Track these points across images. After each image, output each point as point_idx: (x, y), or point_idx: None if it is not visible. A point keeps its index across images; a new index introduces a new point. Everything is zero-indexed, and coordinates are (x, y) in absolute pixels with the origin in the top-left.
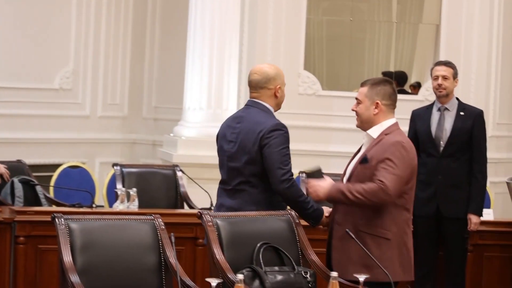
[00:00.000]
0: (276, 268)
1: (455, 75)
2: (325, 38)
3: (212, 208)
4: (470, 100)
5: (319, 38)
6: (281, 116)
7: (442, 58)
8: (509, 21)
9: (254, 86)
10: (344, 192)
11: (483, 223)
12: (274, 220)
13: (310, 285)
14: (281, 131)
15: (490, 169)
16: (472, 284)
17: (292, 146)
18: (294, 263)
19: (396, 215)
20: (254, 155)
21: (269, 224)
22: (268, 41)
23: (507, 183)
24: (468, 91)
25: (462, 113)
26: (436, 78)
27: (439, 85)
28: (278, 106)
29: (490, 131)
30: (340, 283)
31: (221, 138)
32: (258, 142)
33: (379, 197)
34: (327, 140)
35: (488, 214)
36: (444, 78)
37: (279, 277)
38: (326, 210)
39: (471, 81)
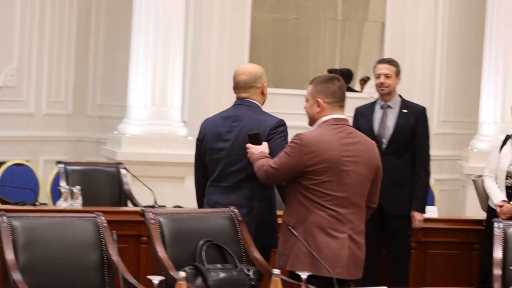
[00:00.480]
0: (219, 265)
1: (397, 73)
2: (271, 36)
3: (156, 205)
4: (415, 97)
5: (264, 36)
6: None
7: (387, 55)
8: (453, 18)
9: (243, 86)
10: (261, 157)
11: (427, 220)
12: (217, 217)
13: (252, 282)
14: (284, 127)
15: (435, 166)
16: (416, 281)
17: None
18: (236, 261)
19: (304, 211)
20: None
21: (212, 222)
22: (213, 39)
23: (473, 180)
24: (413, 89)
25: (405, 111)
26: (378, 76)
27: (382, 83)
28: (263, 103)
29: (435, 128)
30: (282, 280)
31: (212, 137)
32: (265, 139)
33: (260, 172)
34: None
35: (432, 212)
36: (387, 76)
37: (222, 275)
38: None
39: (416, 79)
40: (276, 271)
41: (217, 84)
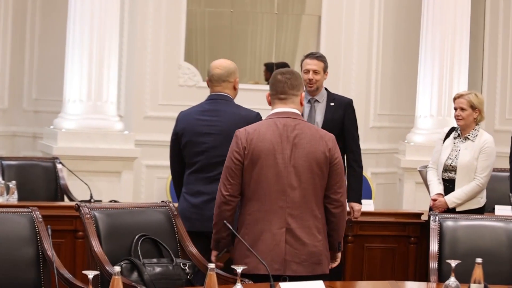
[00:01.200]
0: (155, 260)
1: (325, 69)
2: (207, 30)
3: (92, 200)
4: (351, 91)
5: (201, 30)
6: (161, 107)
7: (323, 49)
8: (389, 12)
9: (217, 79)
10: None
11: (364, 214)
12: (152, 212)
13: (188, 276)
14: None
15: (371, 160)
16: (353, 275)
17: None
18: (172, 255)
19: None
20: None
21: (148, 216)
22: (148, 33)
23: (419, 171)
24: (349, 82)
25: (332, 104)
26: (307, 71)
27: (310, 80)
28: (235, 97)
29: (371, 122)
30: (218, 274)
31: (192, 131)
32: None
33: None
34: None
35: (368, 205)
36: (315, 72)
37: (158, 269)
38: None
39: (352, 72)
40: (211, 265)
41: (153, 78)
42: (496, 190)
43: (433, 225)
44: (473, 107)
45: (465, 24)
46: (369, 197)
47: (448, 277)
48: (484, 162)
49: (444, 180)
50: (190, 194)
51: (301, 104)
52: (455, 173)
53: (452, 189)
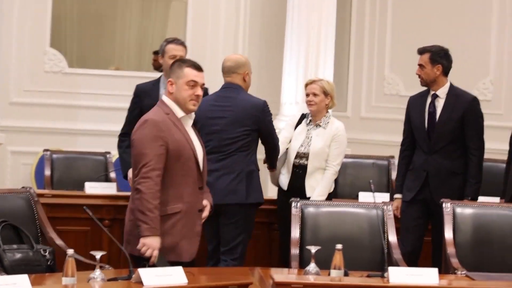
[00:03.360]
0: (15, 246)
1: (186, 53)
2: (76, 15)
3: None
4: (218, 77)
5: (69, 16)
6: (26, 93)
7: (189, 35)
8: None
9: (227, 71)
10: None
11: None
12: (13, 198)
13: (49, 262)
14: (268, 107)
15: None
16: None
17: (39, 124)
18: (33, 241)
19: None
20: (252, 127)
21: (8, 202)
22: (13, 18)
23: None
24: (216, 69)
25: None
26: (173, 57)
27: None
28: (246, 89)
29: None
30: (76, 259)
31: (203, 117)
32: (257, 117)
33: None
34: (74, 118)
35: None
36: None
37: (18, 255)
38: None
39: (219, 59)
40: (70, 251)
41: (18, 64)
42: (360, 177)
43: (295, 211)
44: (325, 93)
45: (332, 11)
46: None
47: (309, 263)
48: (336, 150)
49: (295, 166)
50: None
51: None
52: (307, 160)
53: (303, 175)
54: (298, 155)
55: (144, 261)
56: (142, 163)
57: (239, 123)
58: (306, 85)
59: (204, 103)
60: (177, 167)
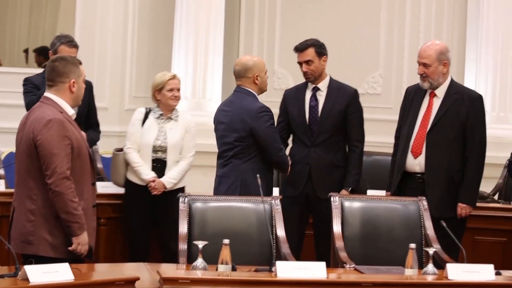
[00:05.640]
0: None
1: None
2: None
3: None
4: (107, 73)
5: None
6: None
7: (78, 32)
8: None
9: (237, 75)
10: None
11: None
12: None
13: None
14: (265, 112)
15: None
16: (106, 257)
17: None
18: None
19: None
20: (242, 133)
21: None
22: None
23: (115, 154)
24: (104, 64)
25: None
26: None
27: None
28: (260, 90)
29: (126, 104)
30: None
31: (216, 120)
32: (247, 123)
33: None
34: None
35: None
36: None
37: None
38: None
39: (108, 55)
40: None
41: None
42: None
43: (182, 206)
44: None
45: (220, 7)
46: None
47: (196, 258)
48: (191, 142)
49: (153, 160)
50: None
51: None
52: (164, 153)
53: (162, 169)
54: (155, 149)
55: (30, 258)
56: (55, 164)
57: (233, 129)
58: (167, 80)
59: (219, 107)
60: (78, 165)
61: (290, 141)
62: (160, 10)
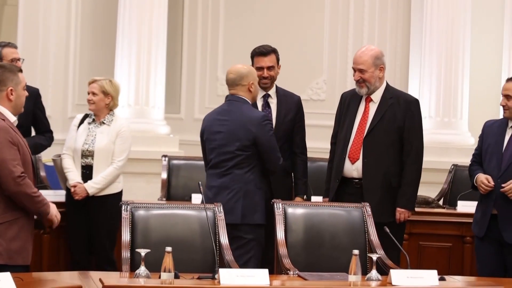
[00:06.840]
0: None
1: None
2: None
3: None
4: (49, 81)
5: None
6: None
7: (20, 39)
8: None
9: (231, 84)
10: None
11: None
12: None
13: None
14: (268, 120)
15: None
16: (50, 266)
17: None
18: None
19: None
20: (245, 142)
21: None
22: None
23: (53, 160)
24: (46, 72)
25: None
26: (12, 60)
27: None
28: (253, 99)
29: (69, 112)
30: None
31: (208, 130)
32: (251, 131)
33: None
34: None
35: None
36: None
37: None
38: None
39: (50, 61)
40: None
41: None
42: (194, 179)
43: (125, 214)
44: (105, 93)
45: (162, 12)
46: None
47: (139, 266)
48: (121, 146)
49: (82, 166)
50: (208, 188)
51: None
52: (92, 158)
53: (90, 175)
54: (84, 154)
55: None
56: (7, 170)
57: (235, 138)
58: (89, 83)
59: (209, 116)
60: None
61: None
62: (102, 17)
